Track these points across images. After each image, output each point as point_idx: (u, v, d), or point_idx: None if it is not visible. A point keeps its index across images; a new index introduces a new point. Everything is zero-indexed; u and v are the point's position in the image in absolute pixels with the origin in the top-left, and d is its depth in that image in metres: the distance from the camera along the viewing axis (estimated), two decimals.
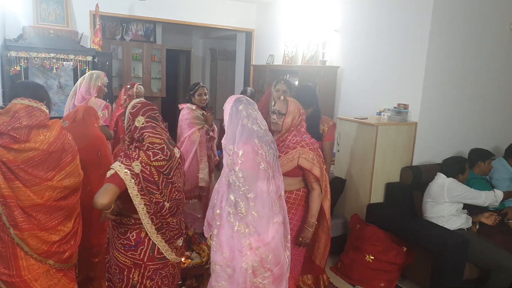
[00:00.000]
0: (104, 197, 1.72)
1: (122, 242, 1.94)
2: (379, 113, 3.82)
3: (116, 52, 6.48)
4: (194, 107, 3.58)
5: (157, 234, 1.93)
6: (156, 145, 1.86)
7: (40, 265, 2.15)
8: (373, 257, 3.16)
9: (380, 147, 3.36)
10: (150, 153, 1.83)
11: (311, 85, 3.04)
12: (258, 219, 1.89)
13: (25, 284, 2.11)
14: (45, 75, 4.58)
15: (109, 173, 1.79)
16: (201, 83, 3.72)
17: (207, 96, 3.69)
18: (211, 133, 3.67)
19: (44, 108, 2.10)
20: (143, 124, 1.91)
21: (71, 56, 4.46)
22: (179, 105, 3.72)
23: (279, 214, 1.99)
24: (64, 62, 4.46)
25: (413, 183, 3.40)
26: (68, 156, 2.15)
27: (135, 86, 3.85)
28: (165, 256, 1.99)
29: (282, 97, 2.56)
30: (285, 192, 2.35)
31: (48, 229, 2.13)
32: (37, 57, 4.32)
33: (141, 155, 1.82)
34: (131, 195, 1.79)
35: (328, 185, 2.53)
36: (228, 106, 1.97)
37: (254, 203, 1.88)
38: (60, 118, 2.62)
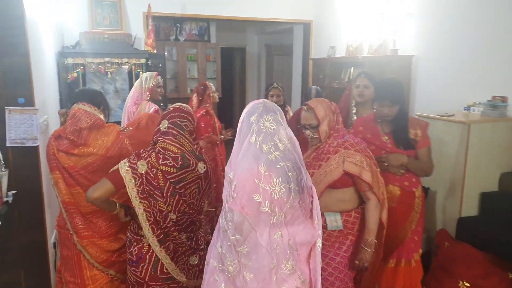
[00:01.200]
0: (94, 190, 1.69)
1: (127, 256, 1.89)
2: (467, 108, 3.23)
3: (171, 53, 6.39)
4: None
5: (160, 247, 1.78)
6: (169, 152, 1.77)
7: (103, 275, 2.16)
8: (468, 284, 2.62)
9: (473, 149, 2.80)
10: (160, 156, 1.74)
11: (396, 78, 2.39)
12: (252, 284, 1.36)
13: None
14: (101, 80, 4.54)
15: (112, 169, 1.74)
16: (275, 84, 3.47)
17: (282, 97, 3.45)
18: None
19: (97, 112, 2.16)
20: (165, 128, 1.83)
21: (125, 60, 4.37)
22: None
23: (293, 278, 1.38)
24: (118, 66, 4.37)
25: None
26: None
27: (209, 85, 3.60)
28: (172, 276, 1.79)
29: (304, 107, 2.04)
30: (342, 214, 2.01)
31: (108, 236, 2.16)
32: (92, 63, 4.28)
33: (151, 155, 1.74)
34: (130, 196, 1.70)
35: (385, 192, 2.08)
36: (242, 116, 1.49)
37: (248, 260, 1.35)
38: (117, 123, 2.57)
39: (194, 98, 3.53)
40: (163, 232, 1.77)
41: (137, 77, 4.55)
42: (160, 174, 1.71)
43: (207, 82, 3.61)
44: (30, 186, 2.39)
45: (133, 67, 4.43)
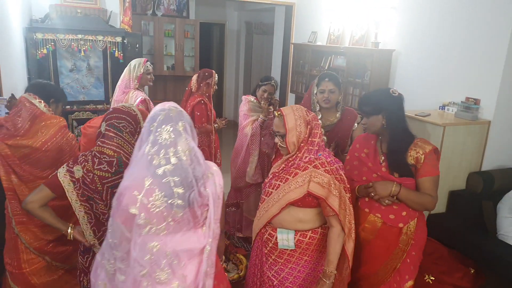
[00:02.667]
0: (31, 196, 1.69)
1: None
2: (442, 107, 3.31)
3: (147, 28, 6.15)
4: (253, 98, 3.33)
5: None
6: (105, 156, 1.72)
7: (40, 260, 2.19)
8: (433, 278, 2.76)
9: (446, 149, 2.89)
10: (96, 160, 1.71)
11: (389, 89, 2.00)
12: (124, 285, 1.40)
13: (23, 277, 2.16)
14: (74, 57, 4.33)
15: (51, 175, 1.74)
16: (273, 81, 3.31)
17: (273, 96, 3.31)
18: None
19: (41, 105, 2.13)
20: (103, 131, 1.78)
21: (100, 37, 4.16)
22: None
23: (167, 285, 1.39)
24: (92, 44, 4.17)
25: (483, 191, 2.93)
26: (65, 156, 2.15)
27: (214, 75, 3.44)
28: None
29: (276, 113, 1.90)
30: (296, 232, 1.87)
31: (41, 226, 2.13)
32: (64, 39, 4.05)
33: (88, 160, 1.71)
34: (70, 200, 1.70)
35: (353, 221, 1.87)
36: (145, 121, 1.46)
37: (121, 263, 1.41)
38: (91, 102, 2.46)
39: (194, 79, 3.44)
40: (105, 234, 1.75)
41: (112, 56, 4.38)
42: (97, 178, 1.69)
43: (214, 72, 3.47)
44: None
45: (108, 45, 4.23)
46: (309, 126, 1.86)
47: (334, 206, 1.78)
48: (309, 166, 1.82)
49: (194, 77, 3.44)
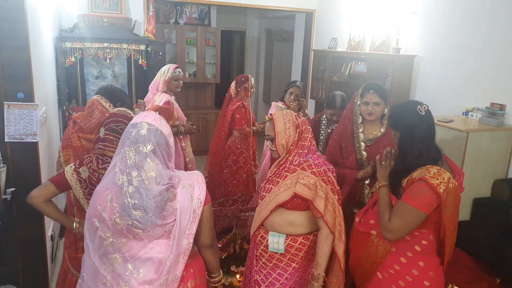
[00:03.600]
0: (36, 191, 1.78)
1: None
2: (466, 113, 3.25)
3: (170, 36, 6.28)
4: (281, 104, 3.36)
5: None
6: (107, 157, 1.86)
7: None
8: (457, 287, 2.70)
9: (469, 156, 2.84)
10: (100, 160, 1.86)
11: (412, 103, 1.80)
12: (87, 284, 1.46)
13: (79, 261, 2.14)
14: (100, 65, 4.48)
15: (58, 172, 1.87)
16: (298, 82, 3.37)
17: (300, 98, 3.36)
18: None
19: (110, 108, 2.36)
20: (103, 135, 1.92)
21: (124, 46, 4.29)
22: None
23: None
24: (117, 52, 4.31)
25: (509, 199, 2.85)
26: None
27: (250, 79, 3.62)
28: None
29: (267, 116, 1.97)
30: (288, 237, 1.87)
31: None
32: (91, 47, 4.20)
33: (92, 161, 1.86)
34: (77, 198, 1.86)
35: (343, 223, 1.85)
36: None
37: (84, 265, 1.48)
38: None
39: (233, 86, 3.61)
40: None
41: (135, 63, 4.51)
42: (97, 177, 1.82)
43: (249, 76, 3.62)
44: (29, 182, 2.38)
45: (132, 53, 4.36)
46: (298, 130, 1.90)
47: (319, 208, 1.77)
48: (297, 168, 1.85)
49: (233, 84, 3.62)
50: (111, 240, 1.39)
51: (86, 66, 4.41)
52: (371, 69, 4.17)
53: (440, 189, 1.55)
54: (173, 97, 3.53)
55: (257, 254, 1.96)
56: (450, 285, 2.73)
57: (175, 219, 1.41)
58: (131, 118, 1.87)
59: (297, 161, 1.88)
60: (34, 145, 2.43)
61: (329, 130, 3.03)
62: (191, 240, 1.47)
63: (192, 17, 6.57)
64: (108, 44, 4.23)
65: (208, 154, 3.92)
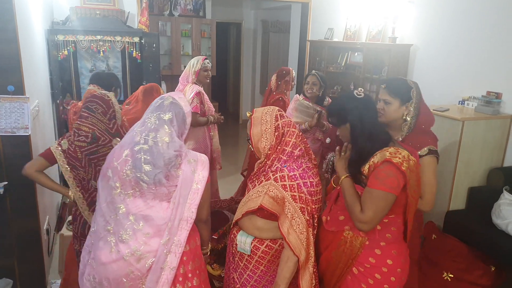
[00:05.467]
0: (28, 163, 2.04)
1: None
2: (462, 102, 3.23)
3: (164, 28, 6.22)
4: (301, 97, 3.26)
5: (88, 211, 2.10)
6: (81, 131, 2.09)
7: None
8: (452, 275, 2.71)
9: (465, 145, 2.83)
10: (76, 134, 2.08)
11: (351, 92, 1.74)
12: (93, 228, 1.68)
13: None
14: (94, 58, 4.43)
15: (46, 149, 2.07)
16: (313, 71, 3.27)
17: (318, 87, 3.20)
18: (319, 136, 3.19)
19: (109, 94, 2.44)
20: (81, 112, 2.16)
21: (118, 38, 4.24)
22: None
23: (125, 246, 1.57)
24: (111, 44, 4.26)
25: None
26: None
27: (292, 72, 3.62)
28: None
29: (248, 113, 1.85)
30: (255, 238, 1.79)
31: None
32: (84, 40, 4.15)
33: (71, 134, 2.10)
34: (61, 168, 2.04)
35: (312, 251, 1.69)
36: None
37: (95, 212, 1.70)
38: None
39: (273, 79, 3.61)
40: (91, 197, 2.09)
41: (130, 56, 4.46)
42: (77, 148, 2.05)
43: (291, 69, 3.61)
44: (21, 176, 2.36)
45: (126, 45, 4.31)
46: (277, 133, 1.74)
47: (282, 228, 1.64)
48: (271, 177, 1.71)
49: (273, 77, 3.61)
50: (119, 190, 1.58)
51: (80, 60, 4.36)
52: (368, 59, 4.15)
53: (403, 167, 1.51)
54: (202, 87, 3.57)
55: (232, 251, 1.91)
56: (445, 273, 2.75)
57: (177, 185, 1.59)
58: (108, 101, 2.19)
59: (275, 166, 1.74)
60: (26, 138, 2.42)
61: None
62: (194, 211, 1.61)
63: (186, 8, 6.51)
64: (101, 36, 4.18)
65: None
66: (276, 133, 1.75)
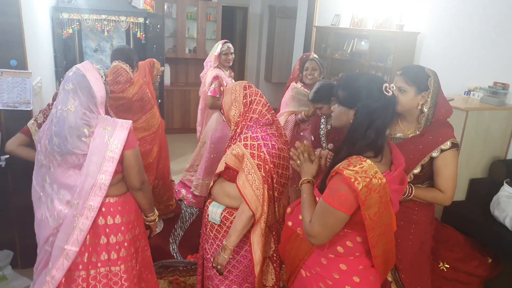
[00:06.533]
0: (9, 141, 2.08)
1: None
2: (468, 93, 3.20)
3: (170, 11, 6.17)
4: (300, 85, 3.09)
5: None
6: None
7: None
8: (448, 265, 2.71)
9: (468, 135, 2.80)
10: (51, 105, 2.14)
11: (380, 81, 1.42)
12: (35, 205, 1.82)
13: None
14: (98, 37, 4.41)
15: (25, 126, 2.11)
16: (312, 55, 3.09)
17: (318, 72, 3.02)
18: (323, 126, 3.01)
19: (130, 70, 2.82)
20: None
21: (123, 18, 4.21)
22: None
23: (48, 212, 1.72)
24: (115, 24, 4.23)
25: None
26: (146, 104, 2.90)
27: (311, 57, 3.38)
28: None
29: (222, 87, 2.04)
30: (225, 209, 1.85)
31: None
32: (89, 19, 4.13)
33: (46, 109, 2.15)
34: (35, 142, 2.01)
35: (266, 208, 1.73)
36: None
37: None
38: None
39: (297, 66, 3.48)
40: None
41: (134, 36, 4.44)
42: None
43: (312, 54, 3.42)
44: None
45: (130, 25, 4.28)
46: (245, 101, 1.82)
47: (238, 182, 1.70)
48: (237, 141, 1.80)
49: (297, 63, 3.44)
50: (44, 162, 1.70)
51: (84, 39, 4.34)
52: (374, 47, 4.10)
53: (358, 185, 1.27)
54: (227, 72, 3.58)
55: (205, 222, 1.95)
56: (441, 263, 2.75)
57: (87, 154, 1.65)
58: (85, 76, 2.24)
59: (243, 134, 1.80)
60: (28, 114, 2.42)
61: (328, 126, 2.57)
62: (109, 177, 1.67)
63: None
64: (106, 16, 4.15)
65: None
66: (244, 101, 1.82)
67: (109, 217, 1.75)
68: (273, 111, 1.91)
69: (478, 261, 2.66)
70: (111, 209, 1.75)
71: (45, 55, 3.36)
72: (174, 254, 3.10)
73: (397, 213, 1.48)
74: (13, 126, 2.40)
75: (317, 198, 1.44)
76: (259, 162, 1.71)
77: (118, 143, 1.66)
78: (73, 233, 1.66)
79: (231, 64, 3.59)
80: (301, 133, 3.03)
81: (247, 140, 1.75)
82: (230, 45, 3.55)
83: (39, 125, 2.07)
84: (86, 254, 1.73)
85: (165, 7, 6.07)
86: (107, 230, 1.75)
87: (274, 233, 1.87)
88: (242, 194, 1.69)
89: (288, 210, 1.66)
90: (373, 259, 1.44)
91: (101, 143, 1.65)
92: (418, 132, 1.87)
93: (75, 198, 1.67)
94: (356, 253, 1.46)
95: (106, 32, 4.26)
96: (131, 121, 1.74)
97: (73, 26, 4.08)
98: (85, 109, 1.63)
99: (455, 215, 2.85)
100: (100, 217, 1.73)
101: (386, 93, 1.37)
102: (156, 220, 2.01)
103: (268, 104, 1.90)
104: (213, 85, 3.36)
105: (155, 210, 1.99)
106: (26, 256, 2.68)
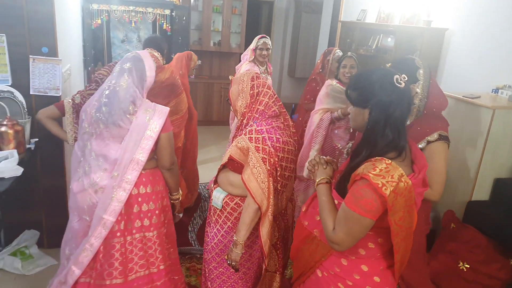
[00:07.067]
0: (41, 110, 2.25)
1: None
2: (496, 91, 3.11)
3: (196, 3, 6.23)
4: (335, 82, 3.00)
5: None
6: (97, 76, 2.37)
7: None
8: (468, 266, 2.67)
9: (494, 134, 2.73)
10: (88, 84, 2.33)
11: (390, 73, 1.36)
12: (72, 166, 1.95)
13: None
14: (125, 28, 4.53)
15: (61, 100, 2.31)
16: (349, 53, 3.02)
17: (355, 70, 2.95)
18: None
19: (161, 58, 2.81)
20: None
21: (150, 9, 4.31)
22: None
23: (89, 176, 1.84)
24: (143, 15, 4.32)
25: None
26: (177, 89, 2.88)
27: (334, 51, 3.49)
28: None
29: (230, 76, 1.99)
30: (227, 195, 1.87)
31: None
32: (117, 10, 4.24)
33: (84, 89, 2.32)
34: (66, 120, 2.23)
35: (271, 200, 1.73)
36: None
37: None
38: None
39: (319, 61, 3.58)
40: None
41: (160, 28, 4.52)
42: (87, 98, 2.14)
43: (334, 48, 3.51)
44: (51, 134, 2.47)
45: (157, 17, 4.37)
46: (252, 92, 1.82)
47: (243, 175, 1.71)
48: (242, 133, 1.80)
49: (321, 56, 3.54)
50: (87, 130, 1.84)
51: (113, 30, 4.46)
52: (399, 43, 4.02)
53: (386, 191, 1.23)
54: (263, 67, 3.61)
55: (210, 206, 2.00)
56: (461, 263, 2.71)
57: (129, 129, 1.81)
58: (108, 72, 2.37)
59: (249, 125, 1.81)
60: (57, 99, 2.52)
61: None
62: (146, 154, 1.83)
63: None
64: (134, 7, 4.26)
65: None
66: (251, 92, 1.83)
67: (141, 186, 1.89)
68: (280, 103, 1.90)
69: (500, 263, 2.60)
70: (143, 179, 1.89)
71: (74, 44, 3.47)
72: (192, 242, 3.17)
73: None
74: None
75: (336, 201, 1.42)
76: (264, 156, 1.72)
77: (157, 125, 1.82)
78: (111, 203, 1.81)
79: (266, 59, 3.60)
80: (335, 131, 2.96)
81: (252, 134, 1.75)
82: (267, 40, 3.54)
83: (75, 105, 2.22)
84: (122, 222, 1.87)
85: (191, 0, 6.14)
86: (139, 199, 1.90)
87: (278, 222, 1.91)
88: (247, 187, 1.70)
89: (303, 208, 1.62)
90: (395, 264, 1.40)
91: (142, 123, 1.81)
92: (408, 123, 1.85)
93: (115, 170, 1.82)
94: (377, 254, 1.43)
95: (133, 23, 4.36)
96: (169, 108, 1.89)
97: (102, 17, 4.20)
98: (136, 88, 1.80)
99: (477, 215, 2.79)
100: (134, 188, 1.88)
101: (399, 85, 1.33)
102: (180, 199, 2.15)
103: (276, 96, 1.90)
104: None
105: (180, 190, 2.14)
106: (51, 236, 2.80)
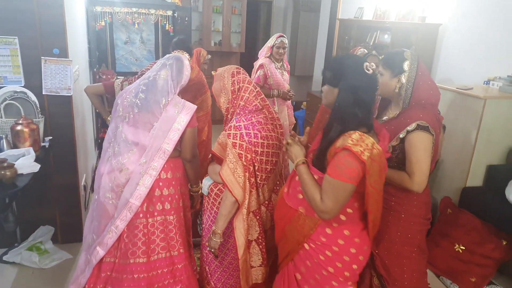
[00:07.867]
0: (89, 86, 2.68)
1: None
2: (487, 82, 3.23)
3: (196, 4, 6.35)
4: None
5: None
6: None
7: None
8: (463, 247, 2.79)
9: (486, 124, 2.85)
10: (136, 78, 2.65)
11: (361, 61, 1.55)
12: (104, 147, 2.08)
13: None
14: (128, 30, 4.65)
15: (111, 81, 2.63)
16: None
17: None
18: None
19: (187, 56, 2.93)
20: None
21: (152, 11, 4.43)
22: None
23: (115, 160, 1.96)
24: (145, 17, 4.45)
25: None
26: (203, 88, 3.05)
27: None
28: None
29: (212, 72, 2.13)
30: (213, 182, 2.00)
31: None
32: (120, 12, 4.36)
33: (133, 78, 2.69)
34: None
35: (247, 196, 1.82)
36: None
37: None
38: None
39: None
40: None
41: (163, 29, 4.64)
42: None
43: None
44: (64, 132, 2.59)
45: (159, 18, 4.49)
46: (232, 88, 1.88)
47: (221, 169, 1.79)
48: (227, 130, 1.87)
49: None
50: (121, 113, 1.99)
51: (116, 31, 4.59)
52: (396, 39, 4.13)
53: (364, 157, 1.41)
54: (279, 63, 3.71)
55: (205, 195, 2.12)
56: (457, 244, 2.83)
57: (159, 119, 1.93)
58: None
59: (233, 120, 1.87)
60: (69, 99, 2.64)
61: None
62: (172, 146, 1.95)
63: None
64: (137, 9, 4.38)
65: None
66: (232, 88, 1.90)
67: (162, 172, 1.99)
68: (262, 96, 1.95)
69: (494, 244, 2.73)
70: (165, 166, 1.99)
71: (81, 46, 3.60)
72: (201, 233, 3.29)
73: None
74: (55, 110, 2.63)
75: (316, 176, 1.59)
76: (240, 152, 1.79)
77: (184, 119, 1.95)
78: (138, 188, 1.93)
79: (282, 57, 3.72)
80: None
81: (230, 130, 1.82)
82: (284, 39, 3.65)
83: (122, 89, 2.43)
84: (145, 204, 1.97)
85: (192, 0, 6.26)
86: (161, 183, 2.00)
87: (258, 217, 1.94)
88: (224, 181, 1.78)
89: (285, 189, 1.73)
90: (369, 224, 1.60)
91: (172, 116, 1.94)
92: (396, 115, 1.92)
93: (144, 157, 1.94)
94: (355, 217, 1.61)
95: (136, 24, 4.49)
96: (196, 106, 2.01)
97: (105, 19, 4.32)
98: (172, 82, 1.95)
99: (472, 200, 2.91)
100: None
101: (367, 71, 1.51)
102: (199, 192, 2.23)
103: (257, 90, 1.94)
104: (257, 73, 3.59)
105: (200, 184, 2.21)
106: (65, 232, 2.92)
